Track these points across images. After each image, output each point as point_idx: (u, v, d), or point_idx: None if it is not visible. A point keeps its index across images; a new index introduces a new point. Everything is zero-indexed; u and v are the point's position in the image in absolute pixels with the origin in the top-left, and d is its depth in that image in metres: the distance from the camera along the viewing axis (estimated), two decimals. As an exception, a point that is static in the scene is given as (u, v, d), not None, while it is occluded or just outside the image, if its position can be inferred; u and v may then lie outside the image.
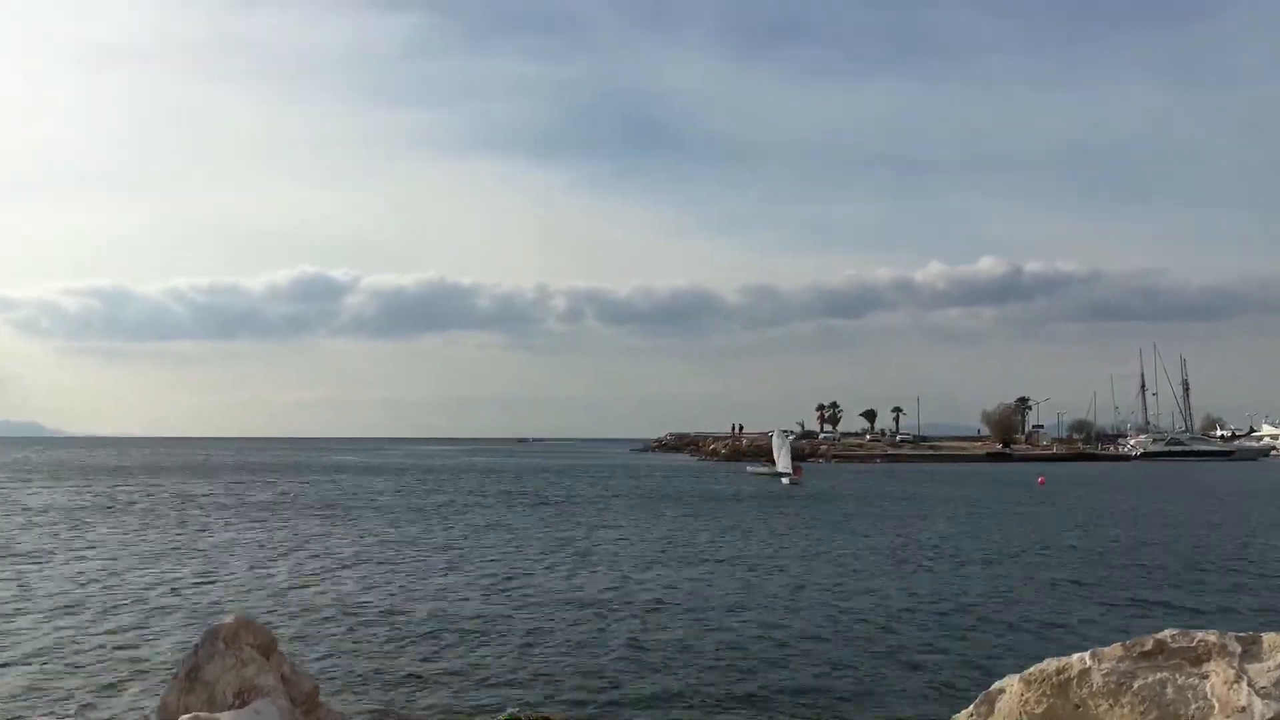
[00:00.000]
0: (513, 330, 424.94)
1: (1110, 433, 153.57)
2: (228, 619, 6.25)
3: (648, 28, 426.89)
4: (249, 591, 21.51)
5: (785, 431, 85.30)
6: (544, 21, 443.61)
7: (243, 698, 5.88)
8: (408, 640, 16.67)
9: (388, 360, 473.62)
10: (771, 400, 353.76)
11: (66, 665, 14.77)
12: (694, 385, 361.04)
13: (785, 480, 67.77)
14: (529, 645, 16.35)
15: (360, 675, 14.30)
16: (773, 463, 77.77)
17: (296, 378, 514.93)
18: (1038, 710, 4.27)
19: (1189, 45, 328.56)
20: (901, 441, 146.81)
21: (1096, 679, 4.16)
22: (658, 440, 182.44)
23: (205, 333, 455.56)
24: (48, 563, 25.87)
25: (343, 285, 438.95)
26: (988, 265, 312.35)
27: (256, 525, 36.68)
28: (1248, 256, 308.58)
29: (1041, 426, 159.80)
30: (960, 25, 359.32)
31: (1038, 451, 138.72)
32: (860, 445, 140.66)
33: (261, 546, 29.78)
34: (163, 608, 19.47)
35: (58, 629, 17.29)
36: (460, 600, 20.51)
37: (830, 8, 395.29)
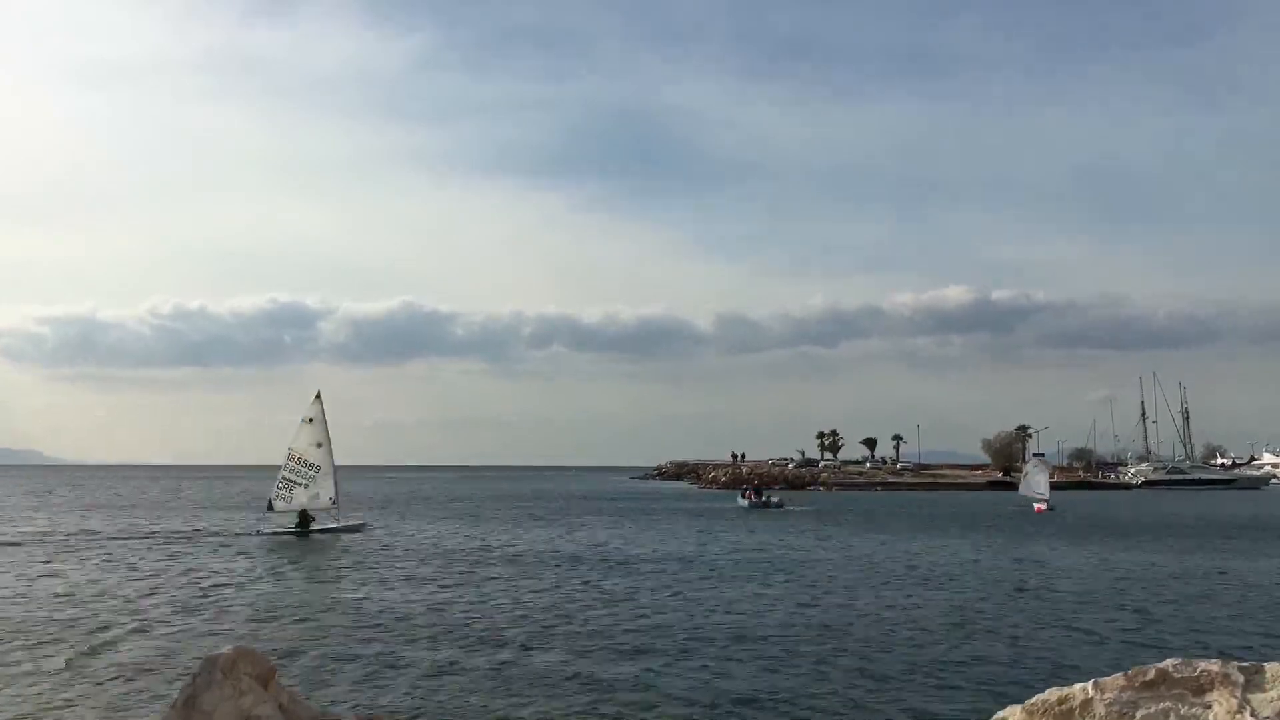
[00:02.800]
0: (497, 356, 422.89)
1: (1110, 461, 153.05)
2: (226, 648, 6.22)
3: (654, 47, 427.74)
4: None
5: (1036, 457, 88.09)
6: (549, 39, 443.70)
7: (240, 728, 5.83)
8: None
9: (374, 386, 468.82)
10: (765, 427, 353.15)
11: (72, 691, 14.67)
12: (683, 411, 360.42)
13: (1038, 506, 70.26)
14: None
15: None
16: None
17: (284, 404, 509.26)
18: (1040, 741, 4.24)
19: (1200, 65, 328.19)
20: (902, 469, 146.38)
21: (1099, 709, 4.14)
22: (658, 468, 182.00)
23: (185, 359, 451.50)
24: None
25: (319, 312, 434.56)
26: (984, 292, 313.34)
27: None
28: (1239, 281, 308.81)
29: (1042, 454, 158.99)
30: (970, 43, 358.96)
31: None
32: (861, 473, 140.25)
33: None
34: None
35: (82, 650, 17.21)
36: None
37: (841, 26, 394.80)
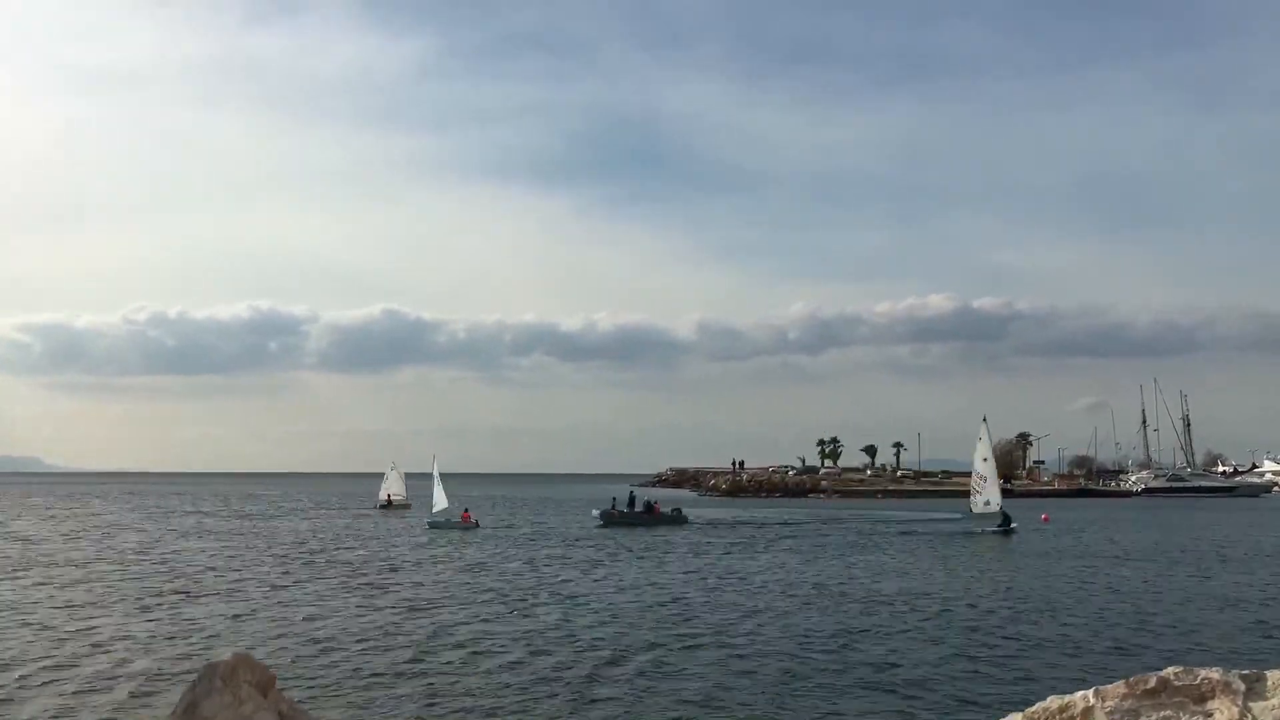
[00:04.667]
0: (486, 364, 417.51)
1: (1111, 468, 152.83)
2: (225, 656, 6.21)
3: (655, 51, 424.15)
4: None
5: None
6: (550, 44, 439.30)
7: (240, 736, 5.82)
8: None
9: (365, 394, 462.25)
10: (757, 434, 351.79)
11: (72, 694, 14.67)
12: (675, 419, 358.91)
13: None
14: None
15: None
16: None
17: (278, 412, 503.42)
18: (1041, 749, 4.23)
19: (1207, 68, 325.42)
20: (903, 477, 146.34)
21: (1100, 717, 4.13)
22: (658, 475, 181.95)
23: (173, 367, 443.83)
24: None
25: (307, 319, 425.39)
26: (980, 299, 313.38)
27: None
28: (1238, 287, 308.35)
29: (1043, 462, 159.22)
30: (973, 46, 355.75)
31: (1039, 487, 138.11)
32: (861, 480, 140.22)
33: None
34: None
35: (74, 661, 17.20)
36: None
37: (844, 29, 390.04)
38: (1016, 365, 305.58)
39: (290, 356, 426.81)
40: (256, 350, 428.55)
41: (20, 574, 31.63)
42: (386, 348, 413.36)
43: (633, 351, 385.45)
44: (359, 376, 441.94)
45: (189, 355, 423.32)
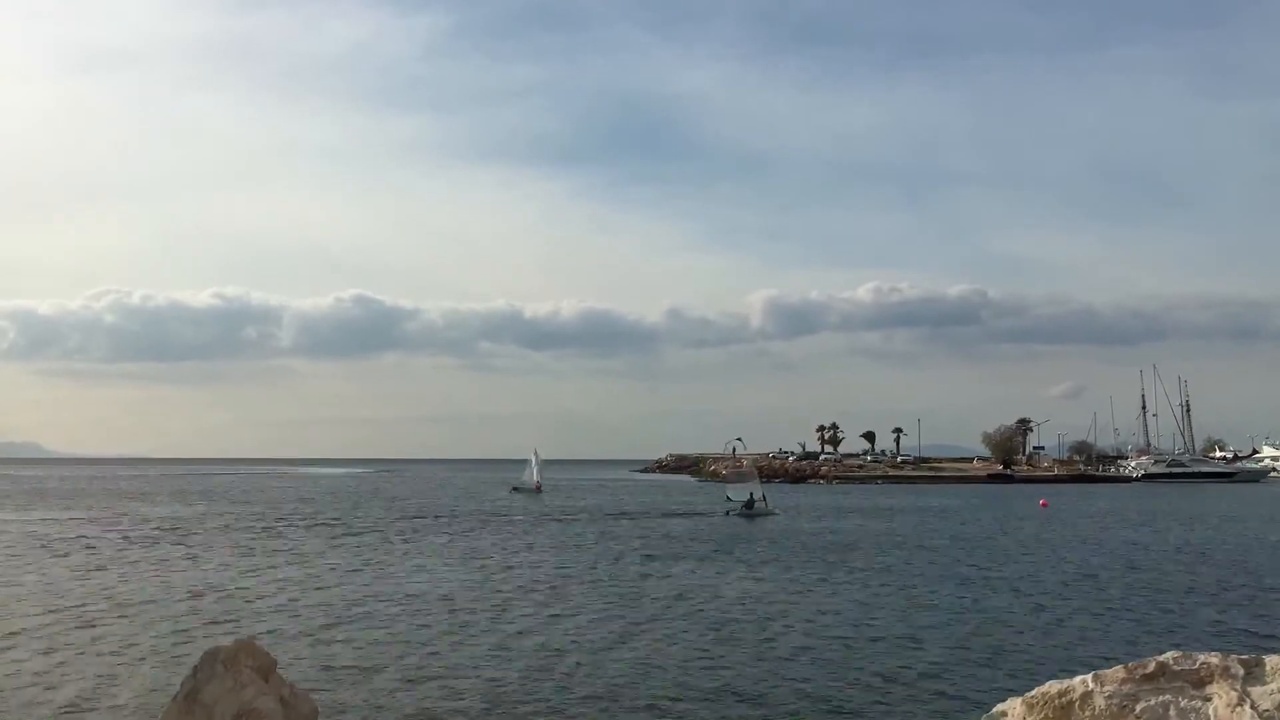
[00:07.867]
0: (465, 351, 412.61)
1: (1110, 454, 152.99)
2: (227, 641, 6.24)
3: (661, 32, 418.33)
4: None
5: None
6: (551, 23, 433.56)
7: (241, 720, 5.85)
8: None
9: (354, 381, 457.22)
10: (753, 420, 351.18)
11: (71, 684, 14.69)
12: (668, 406, 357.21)
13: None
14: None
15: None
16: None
17: (264, 400, 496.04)
18: (1040, 733, 4.24)
19: (1213, 51, 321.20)
20: (902, 463, 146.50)
21: (1099, 701, 4.14)
22: (658, 461, 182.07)
23: (155, 354, 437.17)
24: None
25: (280, 305, 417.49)
26: (970, 286, 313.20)
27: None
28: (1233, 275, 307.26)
29: (1042, 448, 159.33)
30: (983, 26, 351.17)
31: (1039, 473, 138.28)
32: (861, 466, 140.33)
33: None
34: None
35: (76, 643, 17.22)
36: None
37: (853, 7, 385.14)
38: (1019, 353, 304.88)
39: (266, 342, 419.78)
40: (229, 336, 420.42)
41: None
42: (365, 333, 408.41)
43: (603, 338, 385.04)
44: (338, 362, 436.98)
45: (158, 341, 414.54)
